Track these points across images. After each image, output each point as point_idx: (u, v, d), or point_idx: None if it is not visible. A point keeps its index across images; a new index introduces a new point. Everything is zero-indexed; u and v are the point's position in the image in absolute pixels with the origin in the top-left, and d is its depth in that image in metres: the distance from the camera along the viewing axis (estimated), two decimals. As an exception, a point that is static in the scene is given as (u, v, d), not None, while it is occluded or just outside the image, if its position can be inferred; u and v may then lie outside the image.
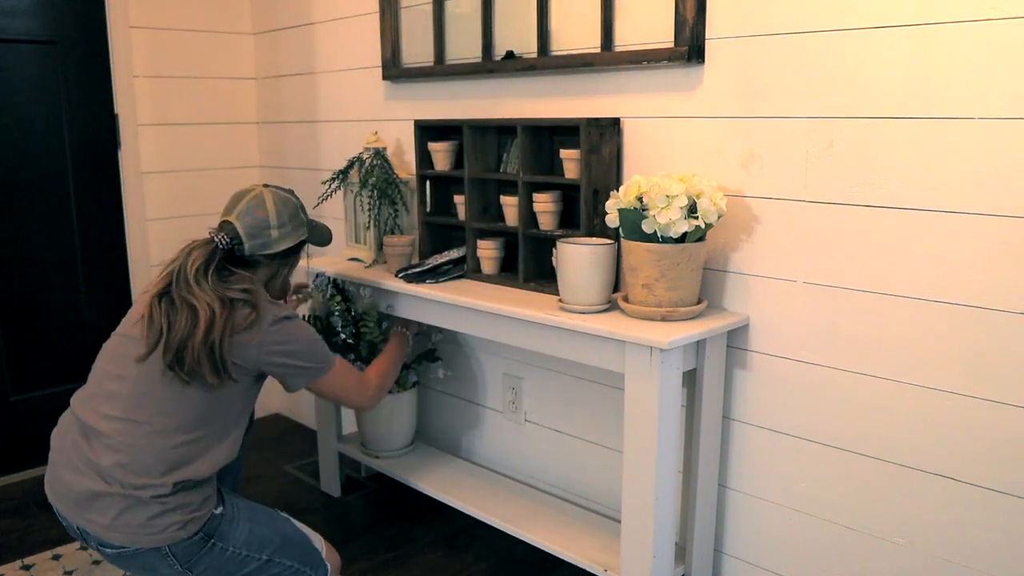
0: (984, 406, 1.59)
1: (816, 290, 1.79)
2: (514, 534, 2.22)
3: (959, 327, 1.59)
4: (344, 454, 2.77)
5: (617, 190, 1.85)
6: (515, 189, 2.15)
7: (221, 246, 1.78)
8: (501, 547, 2.46)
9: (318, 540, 1.87)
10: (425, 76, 2.52)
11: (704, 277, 1.93)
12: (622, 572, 1.91)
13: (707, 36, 1.86)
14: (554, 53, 2.17)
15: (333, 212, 2.83)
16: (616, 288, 1.99)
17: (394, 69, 2.63)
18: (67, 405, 1.79)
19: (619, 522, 1.94)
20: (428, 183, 2.40)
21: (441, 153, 2.34)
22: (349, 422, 2.86)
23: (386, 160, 2.51)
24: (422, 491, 2.47)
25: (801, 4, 1.71)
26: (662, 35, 1.93)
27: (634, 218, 1.79)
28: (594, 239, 1.94)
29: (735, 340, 1.93)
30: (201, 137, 3.24)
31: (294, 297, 2.34)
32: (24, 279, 2.92)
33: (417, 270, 2.27)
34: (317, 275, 2.55)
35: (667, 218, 1.74)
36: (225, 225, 1.83)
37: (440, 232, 2.45)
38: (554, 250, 1.96)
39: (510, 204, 2.19)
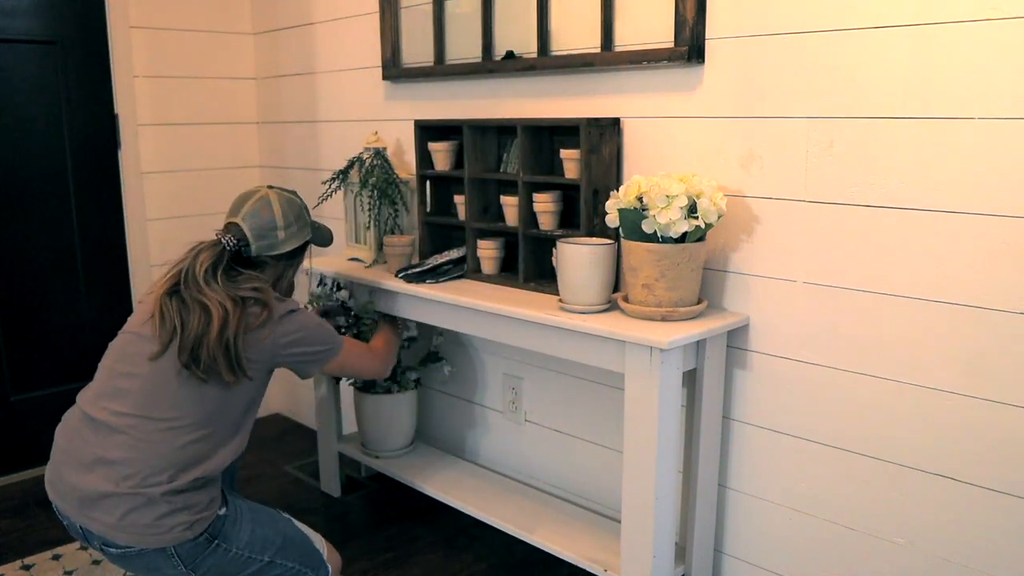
0: (984, 406, 1.59)
1: (816, 290, 1.79)
2: (514, 534, 2.22)
3: (959, 327, 1.59)
4: (344, 454, 2.77)
5: (617, 190, 1.85)
6: (515, 189, 2.15)
7: (228, 248, 1.80)
8: (501, 547, 2.46)
9: (319, 541, 1.87)
10: (425, 76, 2.52)
11: (704, 277, 1.93)
12: (622, 572, 1.91)
13: (707, 36, 1.86)
14: (554, 53, 2.18)
15: (333, 212, 2.83)
16: (616, 288, 1.99)
17: (394, 69, 2.63)
18: (67, 405, 1.78)
19: (619, 522, 1.94)
20: (428, 183, 2.40)
21: (441, 153, 2.34)
22: (349, 422, 2.86)
23: (386, 160, 2.51)
24: (422, 491, 2.47)
25: (801, 4, 1.71)
26: (662, 35, 1.93)
27: (634, 218, 1.79)
28: (594, 239, 1.94)
29: (735, 340, 1.93)
30: (201, 137, 3.24)
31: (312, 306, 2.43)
32: (24, 279, 2.92)
33: (417, 270, 2.27)
34: (320, 281, 2.56)
35: (667, 218, 1.74)
36: (231, 227, 1.85)
37: (440, 232, 2.45)
38: (554, 250, 1.96)
39: (510, 204, 2.19)
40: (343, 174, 2.57)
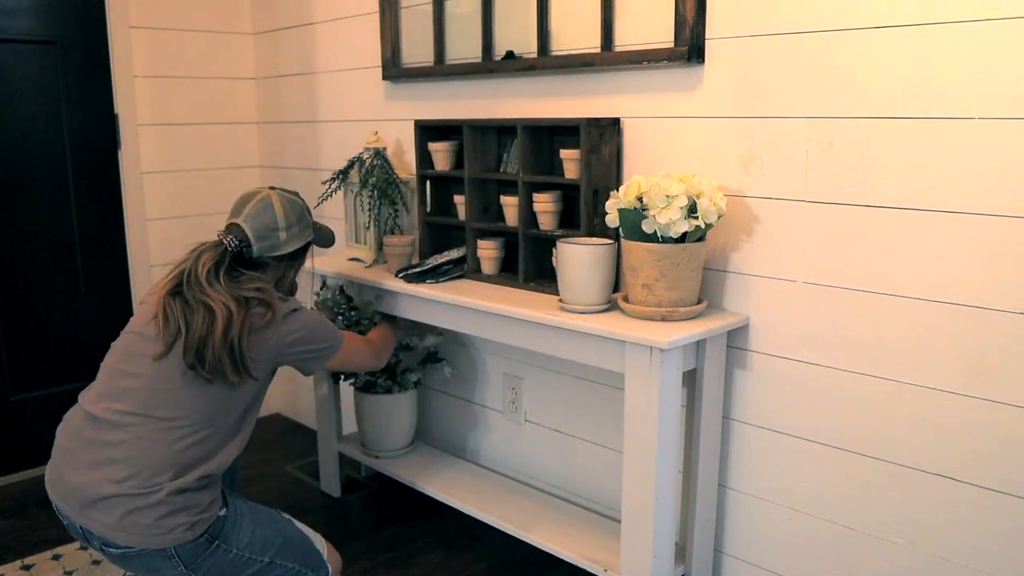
0: (984, 406, 1.59)
1: (816, 290, 1.79)
2: (514, 534, 2.22)
3: (959, 327, 1.59)
4: (344, 454, 2.77)
5: (617, 190, 1.85)
6: (515, 189, 2.15)
7: (230, 248, 1.80)
8: (501, 547, 2.46)
9: (319, 541, 1.87)
10: (425, 76, 2.52)
11: (704, 277, 1.93)
12: (622, 572, 1.91)
13: (707, 36, 1.86)
14: (554, 53, 2.18)
15: (333, 212, 2.83)
16: (616, 288, 1.99)
17: (394, 69, 2.63)
18: (67, 405, 1.78)
19: (619, 522, 1.94)
20: (428, 183, 2.40)
21: (441, 153, 2.34)
22: (349, 422, 2.86)
23: (386, 160, 2.51)
24: (422, 491, 2.47)
25: (801, 4, 1.71)
26: (662, 35, 1.93)
27: (634, 218, 1.79)
28: (594, 239, 1.94)
29: (735, 340, 1.93)
30: (201, 137, 3.24)
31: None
32: (24, 279, 2.92)
33: (417, 270, 2.27)
34: (322, 286, 2.56)
35: (667, 218, 1.74)
36: (233, 228, 1.85)
37: (440, 232, 2.45)
38: (554, 250, 1.96)
39: (510, 204, 2.19)
40: (343, 174, 2.57)
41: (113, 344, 1.79)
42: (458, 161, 2.35)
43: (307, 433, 3.36)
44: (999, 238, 1.52)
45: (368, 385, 2.58)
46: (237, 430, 1.77)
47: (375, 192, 2.45)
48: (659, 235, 1.77)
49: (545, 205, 2.09)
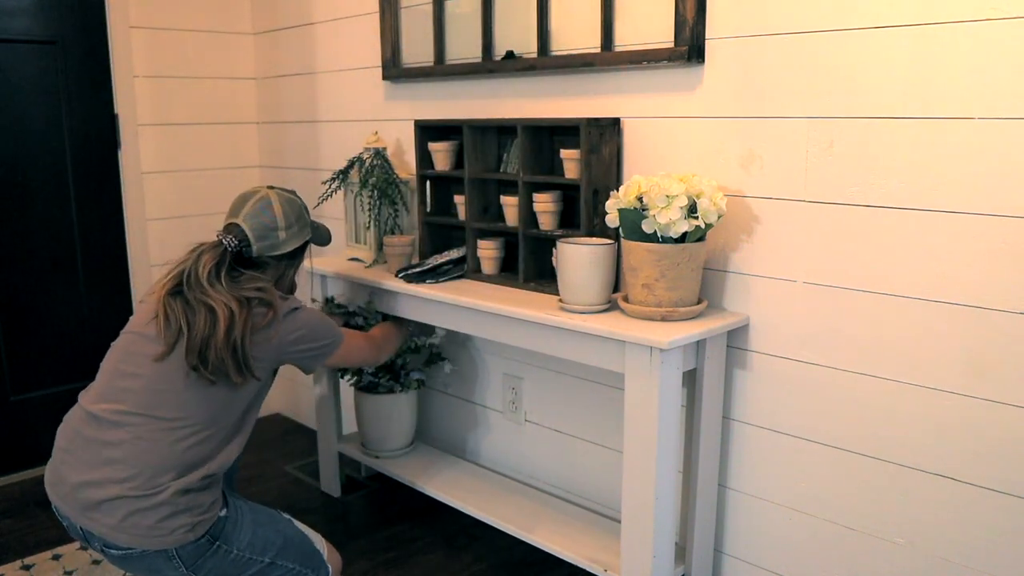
0: (984, 406, 1.59)
1: (816, 290, 1.79)
2: (514, 534, 2.22)
3: (959, 327, 1.59)
4: (344, 454, 2.77)
5: (617, 190, 1.85)
6: (515, 189, 2.15)
7: (230, 248, 1.80)
8: (501, 547, 2.46)
9: (319, 541, 1.87)
10: (425, 76, 2.52)
11: (704, 277, 1.93)
12: (622, 572, 1.91)
13: (707, 36, 1.86)
14: (554, 53, 2.18)
15: (333, 212, 2.83)
16: (616, 288, 1.99)
17: (394, 69, 2.63)
18: (67, 405, 1.78)
19: (619, 522, 1.94)
20: (428, 183, 2.40)
21: (441, 153, 2.34)
22: (349, 422, 2.86)
23: (386, 160, 2.51)
24: (422, 491, 2.47)
25: (801, 4, 1.71)
26: (662, 35, 1.93)
27: (634, 218, 1.79)
28: (594, 239, 1.94)
29: (735, 340, 1.93)
30: (201, 137, 3.24)
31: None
32: (24, 279, 2.92)
33: (417, 270, 2.27)
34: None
35: (667, 218, 1.74)
36: (232, 227, 1.85)
37: (440, 232, 2.45)
38: (554, 250, 1.96)
39: (510, 204, 2.19)
40: (343, 174, 2.57)
41: (113, 344, 1.79)
42: (458, 161, 2.35)
43: (307, 433, 3.36)
44: (999, 238, 1.52)
45: (371, 385, 2.58)
46: (238, 429, 1.77)
47: (375, 192, 2.45)
48: (659, 235, 1.77)
49: (545, 205, 2.09)
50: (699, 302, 1.86)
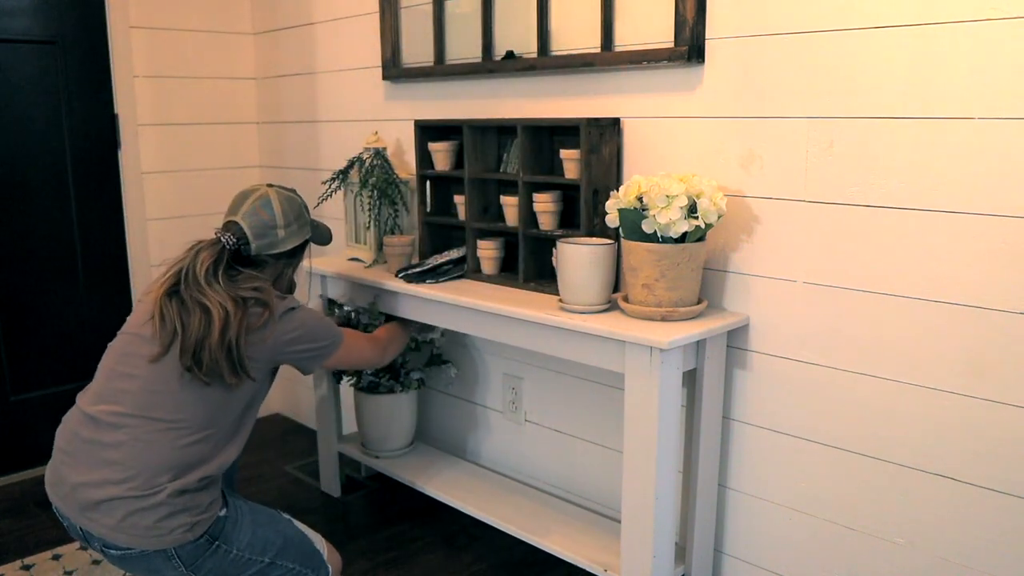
0: (984, 406, 1.59)
1: (816, 290, 1.79)
2: (514, 534, 2.22)
3: (959, 327, 1.59)
4: (344, 454, 2.77)
5: (617, 190, 1.85)
6: (515, 189, 2.15)
7: (228, 246, 1.79)
8: (501, 547, 2.46)
9: (319, 541, 1.87)
10: (425, 76, 2.52)
11: (704, 277, 1.93)
12: (622, 572, 1.91)
13: (707, 36, 1.86)
14: (554, 53, 2.18)
15: (333, 212, 2.83)
16: (616, 288, 1.99)
17: (394, 69, 2.63)
18: (67, 405, 1.78)
19: (619, 522, 1.94)
20: (428, 183, 2.40)
21: (441, 153, 2.34)
22: (349, 422, 2.86)
23: (386, 160, 2.51)
24: (422, 491, 2.47)
25: (801, 4, 1.71)
26: (662, 35, 1.93)
27: (634, 218, 1.79)
28: (594, 239, 1.94)
29: (735, 340, 1.93)
30: (201, 137, 3.24)
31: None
32: (24, 279, 2.92)
33: (417, 270, 2.27)
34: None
35: (667, 218, 1.74)
36: (231, 225, 1.84)
37: (440, 232, 2.45)
38: (554, 250, 1.96)
39: (510, 204, 2.19)
40: (343, 174, 2.57)
41: (110, 345, 1.79)
42: (458, 161, 2.35)
43: (307, 433, 3.36)
44: (999, 238, 1.52)
45: (372, 385, 2.58)
46: (236, 430, 1.76)
47: (375, 192, 2.45)
48: (659, 235, 1.77)
49: (545, 205, 2.09)
50: (699, 302, 1.86)
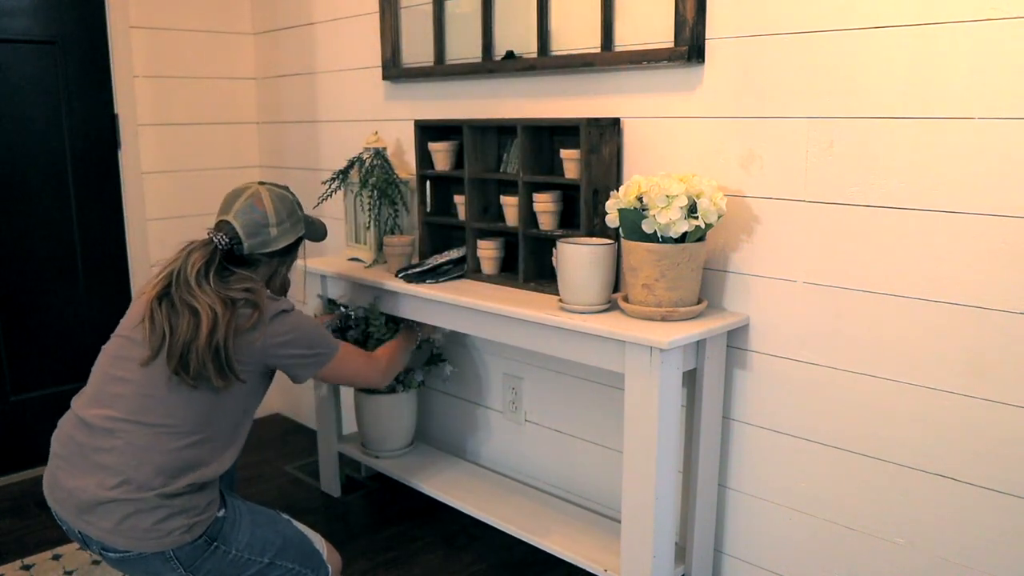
0: (984, 406, 1.59)
1: (816, 290, 1.79)
2: (514, 534, 2.22)
3: (959, 327, 1.59)
4: (344, 454, 2.77)
5: (617, 190, 1.85)
6: (515, 189, 2.15)
7: (220, 246, 1.77)
8: (501, 547, 2.46)
9: (319, 541, 1.87)
10: (425, 76, 2.52)
11: (704, 277, 1.93)
12: (622, 572, 1.91)
13: (707, 36, 1.86)
14: (554, 53, 2.18)
15: (333, 212, 2.83)
16: (616, 288, 1.99)
17: (394, 69, 2.63)
18: (67, 405, 1.78)
19: (619, 522, 1.94)
20: (428, 183, 2.40)
21: (441, 153, 2.34)
22: (349, 422, 2.86)
23: (386, 160, 2.51)
24: (422, 491, 2.47)
25: (801, 4, 1.71)
26: (662, 35, 1.93)
27: (634, 218, 1.79)
28: (594, 239, 1.94)
29: (735, 340, 1.93)
30: (201, 137, 3.24)
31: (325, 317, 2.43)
32: (24, 279, 2.92)
33: (417, 270, 2.27)
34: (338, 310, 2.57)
35: (667, 218, 1.74)
36: (223, 225, 1.82)
37: (440, 232, 2.45)
38: (554, 250, 1.96)
39: (510, 204, 2.19)
40: (343, 174, 2.57)
41: (103, 347, 1.78)
42: (458, 161, 2.35)
43: (307, 433, 3.36)
44: (999, 238, 1.52)
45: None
46: (233, 433, 1.76)
47: (375, 192, 2.45)
48: (659, 235, 1.77)
49: (545, 205, 2.09)
50: (699, 302, 1.86)
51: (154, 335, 1.67)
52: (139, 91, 3.07)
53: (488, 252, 2.23)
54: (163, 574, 1.67)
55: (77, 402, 1.74)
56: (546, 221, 2.11)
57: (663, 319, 1.80)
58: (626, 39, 2.02)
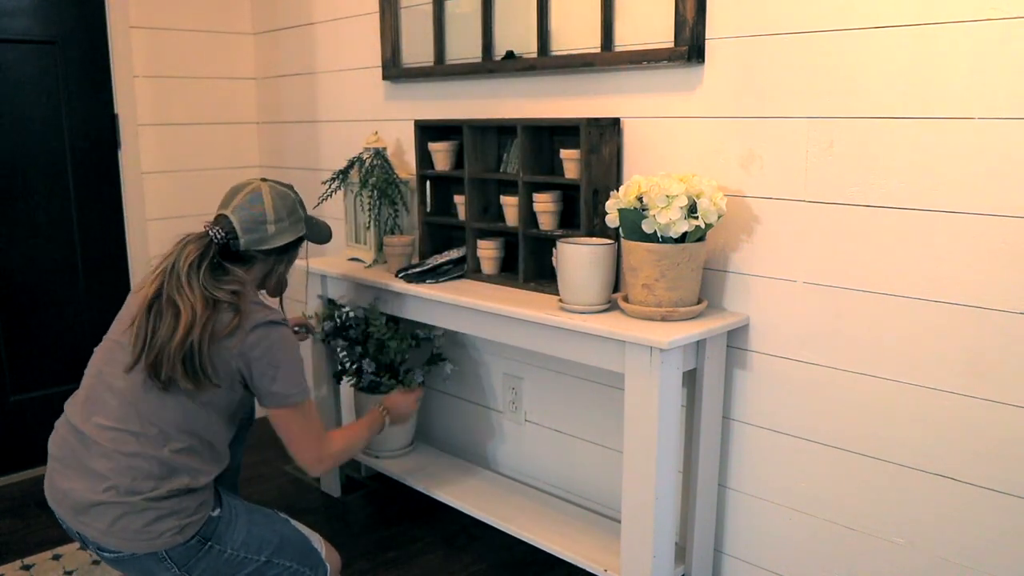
0: (984, 406, 1.59)
1: (816, 290, 1.79)
2: (514, 534, 2.22)
3: (959, 327, 1.59)
4: (344, 454, 2.77)
5: (617, 190, 1.85)
6: (515, 189, 2.15)
7: (216, 240, 1.75)
8: (501, 547, 2.46)
9: (317, 540, 1.86)
10: (425, 76, 2.52)
11: (704, 277, 1.93)
12: (622, 572, 1.91)
13: (707, 36, 1.86)
14: (554, 53, 2.17)
15: (333, 212, 2.83)
16: (616, 288, 1.99)
17: (394, 69, 2.63)
18: (67, 406, 1.79)
19: (619, 522, 1.94)
20: (428, 183, 2.40)
21: (441, 153, 2.34)
22: (349, 422, 2.86)
23: (386, 160, 2.51)
24: (422, 491, 2.47)
25: (801, 4, 1.71)
26: (662, 35, 1.93)
27: (634, 218, 1.79)
28: (594, 239, 1.94)
29: (735, 340, 1.93)
30: (201, 137, 3.24)
31: (296, 330, 2.29)
32: (24, 279, 2.92)
33: (417, 270, 2.27)
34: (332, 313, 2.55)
35: (667, 218, 1.74)
36: (220, 219, 1.80)
37: (440, 232, 2.45)
38: (554, 250, 1.96)
39: (510, 204, 2.19)
40: (343, 174, 2.57)
41: (95, 350, 1.77)
42: (458, 161, 2.35)
43: (307, 433, 3.35)
44: (999, 238, 1.52)
45: (373, 385, 2.58)
46: (216, 441, 1.73)
47: (375, 192, 2.45)
48: (659, 235, 1.77)
49: (545, 205, 2.09)
50: (699, 302, 1.86)
51: (137, 341, 1.65)
52: (139, 91, 3.07)
53: (488, 252, 2.23)
54: (158, 573, 1.67)
55: (69, 407, 1.74)
56: (546, 221, 2.11)
57: (663, 319, 1.80)
58: (626, 39, 2.02)
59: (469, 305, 2.08)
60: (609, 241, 1.90)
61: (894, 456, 1.72)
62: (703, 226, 1.77)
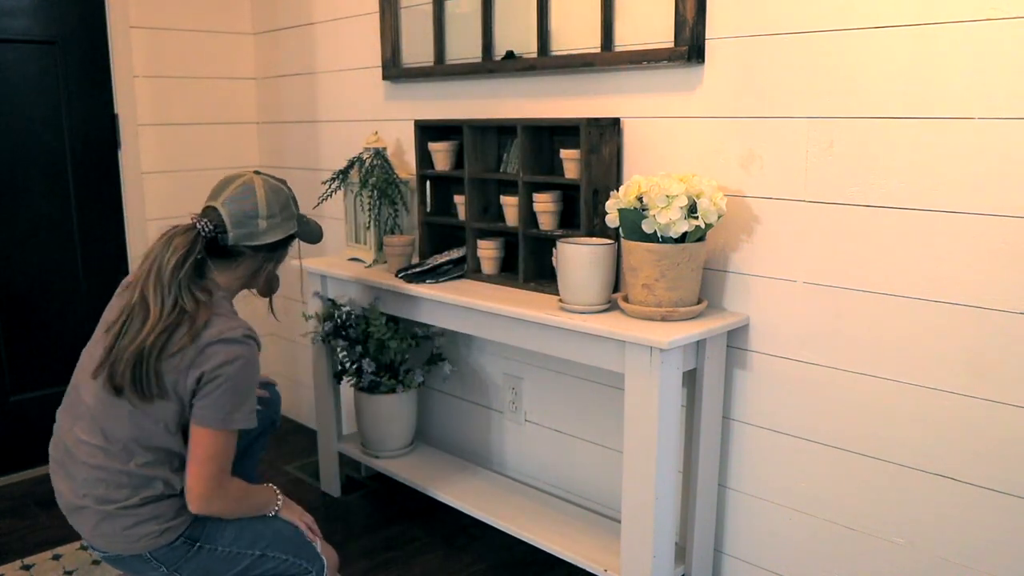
0: (984, 406, 1.59)
1: (816, 290, 1.79)
2: (514, 534, 2.22)
3: (959, 327, 1.59)
4: (344, 454, 2.77)
5: (617, 190, 1.85)
6: (515, 189, 2.15)
7: (203, 233, 1.66)
8: (501, 547, 2.46)
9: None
10: (425, 76, 2.52)
11: (704, 277, 1.93)
12: (622, 572, 1.91)
13: (707, 36, 1.86)
14: (554, 53, 2.18)
15: (333, 212, 2.83)
16: (616, 288, 1.99)
17: (394, 69, 2.63)
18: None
19: (619, 522, 1.94)
20: (428, 183, 2.40)
21: (441, 153, 2.34)
22: (349, 422, 2.86)
23: (386, 160, 2.51)
24: (422, 491, 2.47)
25: (801, 4, 1.71)
26: (662, 35, 1.93)
27: (634, 218, 1.79)
28: (594, 239, 1.94)
29: (735, 340, 1.93)
30: (201, 137, 3.24)
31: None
32: (24, 279, 2.92)
33: (417, 270, 2.27)
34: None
35: (667, 218, 1.74)
36: (209, 211, 1.70)
37: (440, 232, 2.45)
38: (554, 250, 1.96)
39: (510, 204, 2.19)
40: (343, 174, 2.57)
41: (83, 352, 1.75)
42: (458, 161, 2.35)
43: (307, 433, 3.36)
44: (999, 238, 1.52)
45: (372, 385, 2.58)
46: (176, 459, 1.65)
47: (375, 192, 2.45)
48: (659, 235, 1.77)
49: (545, 205, 2.09)
50: (699, 302, 1.86)
51: (105, 349, 1.61)
52: (139, 91, 3.07)
53: (488, 252, 2.23)
54: (148, 573, 1.70)
55: (59, 413, 1.76)
56: (546, 221, 2.11)
57: (663, 319, 1.80)
58: (626, 39, 2.02)
59: (469, 305, 2.08)
60: (609, 241, 1.90)
61: (894, 456, 1.72)
62: (703, 226, 1.77)
